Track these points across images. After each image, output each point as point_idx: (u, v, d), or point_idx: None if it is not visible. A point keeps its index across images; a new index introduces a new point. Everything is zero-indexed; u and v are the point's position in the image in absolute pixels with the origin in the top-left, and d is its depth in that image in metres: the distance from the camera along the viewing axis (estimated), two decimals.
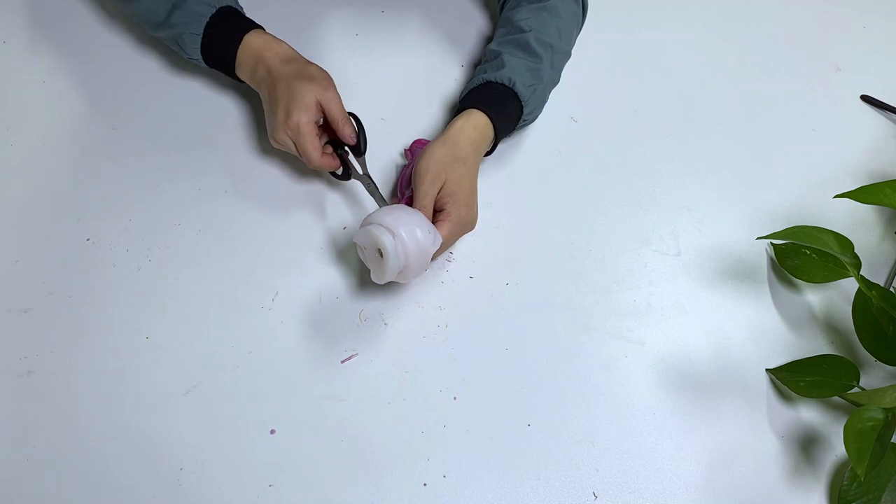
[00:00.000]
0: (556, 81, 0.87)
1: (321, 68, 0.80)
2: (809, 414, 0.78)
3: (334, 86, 0.79)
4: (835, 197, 0.76)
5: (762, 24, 1.06)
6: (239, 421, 0.71)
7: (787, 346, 0.81)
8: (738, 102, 0.98)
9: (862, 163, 0.95)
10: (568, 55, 0.88)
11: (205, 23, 0.80)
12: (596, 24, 0.93)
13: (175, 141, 0.85)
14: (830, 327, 0.83)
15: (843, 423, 0.67)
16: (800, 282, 0.85)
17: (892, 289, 0.85)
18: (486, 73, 0.82)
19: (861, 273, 0.76)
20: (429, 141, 0.82)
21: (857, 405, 0.73)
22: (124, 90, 0.88)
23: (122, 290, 0.76)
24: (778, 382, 0.78)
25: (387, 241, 0.68)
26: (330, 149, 0.81)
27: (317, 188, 0.83)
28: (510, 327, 0.78)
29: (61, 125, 0.85)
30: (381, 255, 0.69)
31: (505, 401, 0.74)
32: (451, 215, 0.74)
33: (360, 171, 0.81)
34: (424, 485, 0.70)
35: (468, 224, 0.76)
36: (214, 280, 0.77)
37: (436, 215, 0.74)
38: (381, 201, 0.80)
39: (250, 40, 0.80)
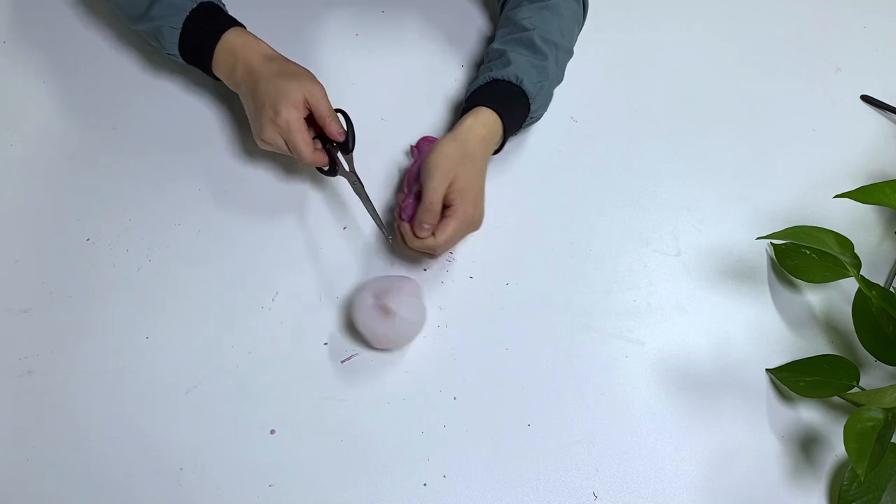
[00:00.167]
0: (560, 79, 0.87)
1: (303, 66, 0.79)
2: (809, 414, 0.78)
3: (319, 82, 0.78)
4: (835, 197, 0.76)
5: (762, 24, 1.06)
6: (239, 421, 0.71)
7: (787, 346, 0.81)
8: (738, 102, 0.98)
9: (862, 163, 0.95)
10: (571, 53, 0.88)
11: (184, 17, 0.78)
12: (596, 24, 0.93)
13: (176, 141, 0.85)
14: (830, 327, 0.83)
15: (843, 423, 0.67)
16: (800, 282, 0.85)
17: (892, 289, 0.85)
18: (492, 71, 0.82)
19: (861, 273, 0.76)
20: (436, 138, 0.83)
21: (857, 405, 0.73)
22: (125, 91, 0.88)
23: (122, 290, 0.76)
24: (778, 382, 0.78)
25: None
26: (319, 143, 0.80)
27: (317, 188, 0.83)
28: (510, 327, 0.78)
29: (61, 125, 0.85)
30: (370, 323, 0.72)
31: (505, 401, 0.74)
32: (458, 212, 0.73)
33: (346, 168, 0.80)
34: (424, 485, 0.70)
35: (475, 222, 0.76)
36: (214, 280, 0.77)
37: (443, 211, 0.74)
38: (366, 201, 0.79)
39: (229, 38, 0.78)
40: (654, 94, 0.97)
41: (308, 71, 0.79)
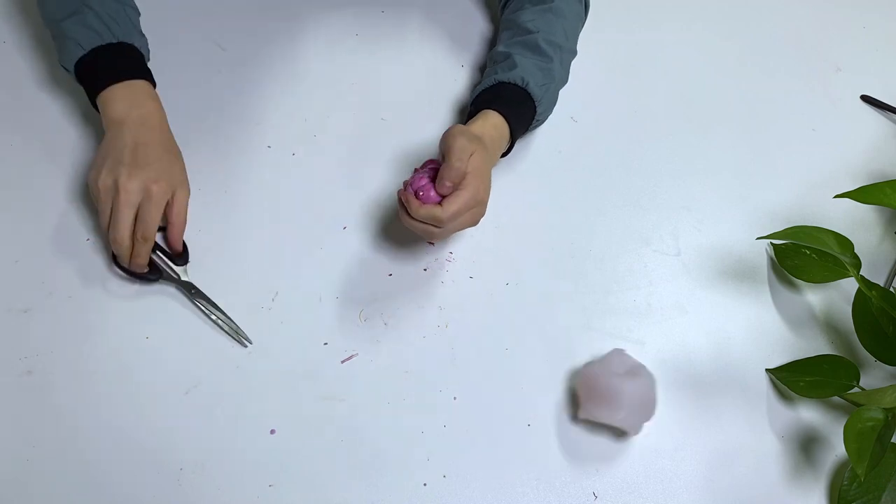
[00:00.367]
0: (565, 81, 0.87)
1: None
2: (809, 414, 0.78)
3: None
4: (835, 197, 0.76)
5: (762, 24, 1.07)
6: (239, 421, 0.71)
7: (787, 346, 0.81)
8: (738, 102, 0.98)
9: (862, 163, 0.95)
10: (574, 54, 0.88)
11: (97, 45, 0.75)
12: (596, 24, 0.93)
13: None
14: (830, 327, 0.83)
15: (843, 423, 0.67)
16: (800, 282, 0.85)
17: (892, 289, 0.85)
18: (497, 73, 0.82)
19: (861, 273, 0.76)
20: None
21: (857, 405, 0.73)
22: None
23: (122, 289, 0.76)
24: (778, 382, 0.78)
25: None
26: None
27: (317, 188, 0.83)
28: (510, 327, 0.78)
29: (61, 125, 0.85)
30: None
31: (505, 401, 0.74)
32: (470, 186, 0.70)
33: (177, 276, 0.76)
34: (424, 485, 0.70)
35: (481, 204, 0.72)
36: (214, 280, 0.77)
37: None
38: (210, 306, 0.74)
39: (141, 85, 0.76)
40: (654, 94, 0.97)
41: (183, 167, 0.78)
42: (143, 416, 0.70)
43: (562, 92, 0.87)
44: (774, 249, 0.86)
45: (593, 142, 0.92)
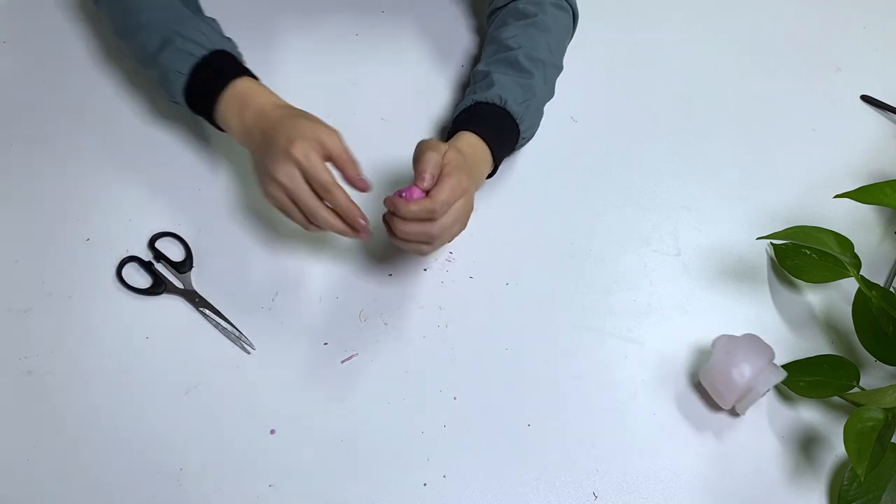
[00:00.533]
0: (550, 96, 0.85)
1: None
2: (809, 414, 0.78)
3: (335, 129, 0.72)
4: (835, 197, 0.76)
5: (762, 24, 1.07)
6: (239, 421, 0.71)
7: (787, 346, 0.81)
8: (738, 102, 0.98)
9: (862, 163, 0.95)
10: (560, 68, 0.87)
11: (194, 63, 0.73)
12: (596, 24, 0.93)
13: (176, 143, 0.85)
14: (830, 327, 0.83)
15: (843, 423, 0.67)
16: (800, 282, 0.85)
17: (892, 289, 0.85)
18: (475, 93, 0.80)
19: (861, 273, 0.76)
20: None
21: (857, 405, 0.73)
22: (126, 92, 0.88)
23: (122, 289, 0.76)
24: (778, 382, 0.78)
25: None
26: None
27: None
28: (510, 327, 0.78)
29: (61, 125, 0.85)
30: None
31: (505, 401, 0.74)
32: (453, 173, 0.68)
33: (180, 286, 0.76)
34: (424, 485, 0.70)
35: (467, 194, 0.70)
36: (214, 280, 0.77)
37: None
38: (216, 315, 0.74)
39: (240, 84, 0.73)
40: (654, 94, 0.97)
41: (320, 119, 0.73)
42: (143, 417, 0.70)
43: (562, 92, 0.87)
44: (774, 249, 0.86)
45: (593, 142, 0.92)
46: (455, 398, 0.74)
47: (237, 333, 0.74)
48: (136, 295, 0.75)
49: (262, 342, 0.74)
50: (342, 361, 0.75)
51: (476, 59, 0.95)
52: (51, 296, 0.75)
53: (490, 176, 0.80)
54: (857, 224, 0.90)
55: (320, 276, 0.78)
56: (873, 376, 0.80)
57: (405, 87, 0.92)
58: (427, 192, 0.69)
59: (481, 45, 0.97)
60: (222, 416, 0.71)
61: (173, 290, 0.76)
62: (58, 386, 0.71)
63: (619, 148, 0.92)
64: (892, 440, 0.68)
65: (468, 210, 0.72)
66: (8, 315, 0.74)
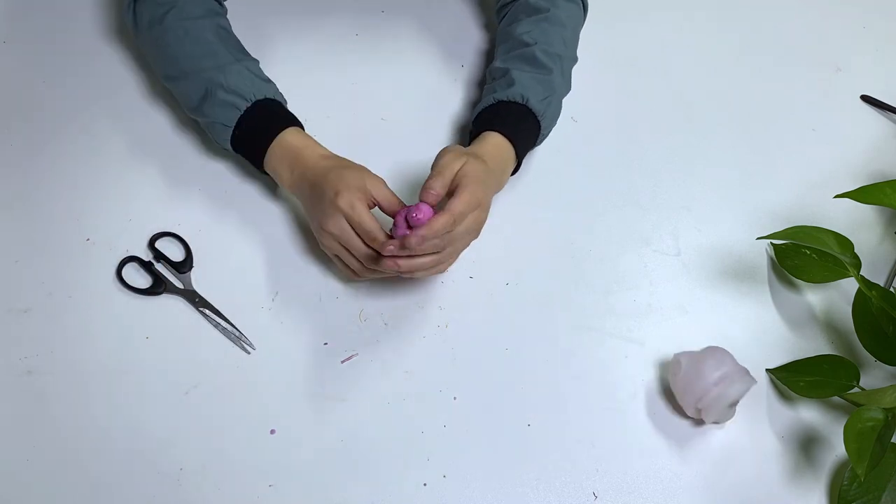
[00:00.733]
0: (568, 89, 0.86)
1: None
2: (809, 414, 0.78)
3: (378, 176, 0.74)
4: (835, 197, 0.76)
5: (762, 24, 1.06)
6: (239, 421, 0.71)
7: (787, 346, 0.81)
8: (738, 102, 0.98)
9: (862, 163, 0.95)
10: (575, 60, 0.88)
11: (238, 116, 0.76)
12: (596, 24, 0.93)
13: (176, 143, 0.85)
14: (830, 327, 0.83)
15: (843, 423, 0.67)
16: (800, 282, 0.84)
17: (892, 289, 0.85)
18: (496, 91, 0.81)
19: (861, 273, 0.76)
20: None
21: (857, 405, 0.73)
22: (127, 94, 0.88)
23: (122, 289, 0.76)
24: (778, 382, 0.78)
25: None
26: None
27: None
28: (510, 327, 0.78)
29: (61, 125, 0.85)
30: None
31: (505, 401, 0.74)
32: (468, 187, 0.68)
33: (180, 286, 0.76)
34: (424, 485, 0.70)
35: (482, 206, 0.70)
36: (214, 280, 0.77)
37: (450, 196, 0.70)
38: (216, 315, 0.74)
39: (286, 138, 0.76)
40: (655, 95, 0.97)
41: (365, 166, 0.75)
42: (143, 416, 0.70)
43: None
44: (774, 249, 0.86)
45: (593, 142, 0.92)
46: (455, 398, 0.74)
47: (237, 333, 0.74)
48: (136, 295, 0.75)
49: (262, 342, 0.74)
50: (342, 361, 0.75)
51: (477, 62, 0.95)
52: (51, 296, 0.75)
53: (513, 173, 0.81)
54: (857, 224, 0.90)
55: (320, 276, 0.78)
56: (873, 376, 0.80)
57: (405, 88, 0.92)
58: (433, 206, 0.68)
59: (482, 48, 0.97)
60: (222, 416, 0.71)
61: (173, 290, 0.76)
62: (58, 386, 0.71)
63: (619, 148, 0.92)
64: (892, 440, 0.68)
65: (481, 221, 0.72)
66: (8, 315, 0.74)
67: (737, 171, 0.92)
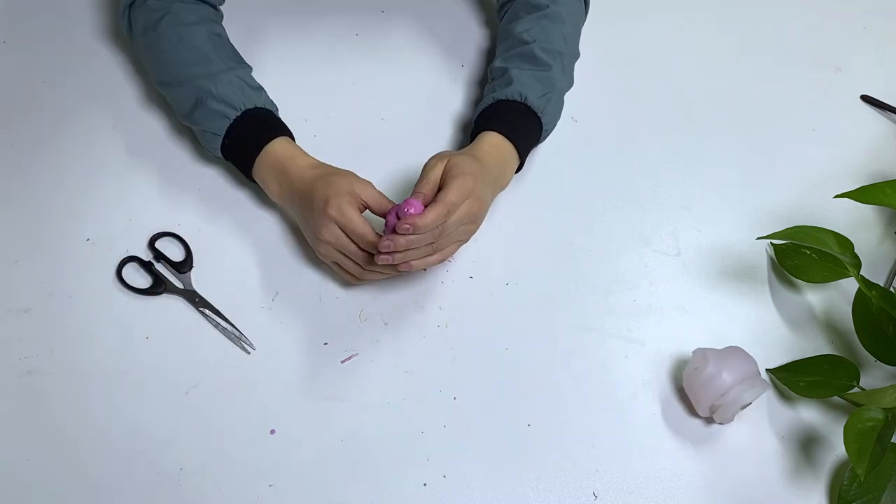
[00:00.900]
0: (570, 84, 0.86)
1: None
2: (809, 414, 0.78)
3: (367, 180, 0.74)
4: (835, 197, 0.76)
5: (762, 24, 1.06)
6: (239, 421, 0.71)
7: (787, 346, 0.81)
8: (738, 102, 0.98)
9: (862, 163, 0.95)
10: (577, 56, 0.88)
11: (227, 125, 0.76)
12: (596, 24, 0.93)
13: (176, 144, 0.85)
14: (830, 327, 0.83)
15: (843, 423, 0.67)
16: (800, 282, 0.84)
17: (892, 289, 0.85)
18: (495, 91, 0.81)
19: (861, 273, 0.76)
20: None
21: (857, 405, 0.73)
22: (127, 93, 0.88)
23: (122, 289, 0.76)
24: (778, 382, 0.78)
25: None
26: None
27: None
28: (510, 327, 0.78)
29: (61, 125, 0.85)
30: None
31: (505, 401, 0.74)
32: (457, 178, 0.69)
33: (180, 286, 0.76)
34: (424, 485, 0.70)
35: (474, 196, 0.70)
36: (214, 280, 0.77)
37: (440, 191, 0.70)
38: (215, 314, 0.74)
39: (273, 149, 0.75)
40: (655, 94, 0.97)
41: (352, 171, 0.75)
42: (143, 417, 0.70)
43: None
44: (774, 249, 0.86)
45: (593, 142, 0.92)
46: (455, 398, 0.74)
47: (237, 333, 0.74)
48: (136, 295, 0.75)
49: (262, 342, 0.75)
50: (342, 361, 0.75)
51: (476, 62, 0.95)
52: (51, 296, 0.75)
53: (517, 171, 0.81)
54: (857, 224, 0.90)
55: (320, 276, 0.78)
56: (873, 376, 0.80)
57: (405, 88, 0.92)
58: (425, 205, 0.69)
59: (482, 48, 0.97)
60: (222, 416, 0.71)
61: (173, 290, 0.76)
62: (58, 386, 0.71)
63: (619, 148, 0.92)
64: (892, 440, 0.68)
65: (476, 211, 0.71)
66: (8, 315, 0.74)
67: (737, 171, 0.92)
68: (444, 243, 0.71)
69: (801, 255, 0.83)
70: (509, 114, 0.79)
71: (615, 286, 0.82)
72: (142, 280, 0.76)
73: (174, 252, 0.78)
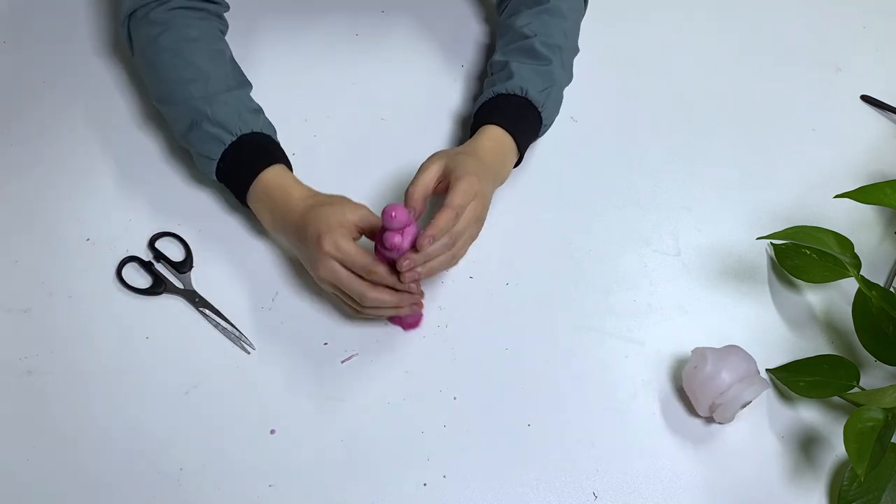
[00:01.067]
0: (569, 79, 0.86)
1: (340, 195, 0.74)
2: (809, 414, 0.78)
3: (361, 204, 0.72)
4: (835, 197, 0.76)
5: (762, 24, 1.06)
6: (239, 421, 0.71)
7: (787, 346, 0.81)
8: (738, 102, 0.98)
9: (862, 163, 0.95)
10: (576, 51, 0.88)
11: (222, 150, 0.74)
12: (596, 24, 0.93)
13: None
14: (830, 327, 0.83)
15: (843, 423, 0.67)
16: (800, 282, 0.84)
17: (892, 289, 0.85)
18: (495, 85, 0.81)
19: (861, 273, 0.76)
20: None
21: (857, 405, 0.73)
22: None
23: (122, 289, 0.76)
24: (778, 382, 0.78)
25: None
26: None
27: (317, 188, 0.83)
28: (510, 327, 0.78)
29: (61, 125, 0.85)
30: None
31: (505, 401, 0.74)
32: (461, 178, 0.68)
33: (180, 286, 0.76)
34: (424, 485, 0.70)
35: (480, 195, 0.70)
36: (214, 280, 0.77)
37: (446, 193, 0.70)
38: (215, 314, 0.74)
39: (268, 175, 0.74)
40: (655, 94, 0.97)
41: (344, 197, 0.73)
42: (143, 417, 0.70)
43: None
44: (774, 249, 0.86)
45: (593, 142, 0.92)
46: (455, 398, 0.74)
47: (237, 333, 0.74)
48: (136, 295, 0.75)
49: (262, 342, 0.75)
50: (342, 361, 0.75)
51: (476, 61, 0.95)
52: (51, 296, 0.75)
53: (516, 165, 0.81)
54: (857, 224, 0.90)
55: None
56: (873, 376, 0.80)
57: (405, 87, 0.92)
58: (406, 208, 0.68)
59: (482, 47, 0.97)
60: (222, 416, 0.71)
61: (173, 290, 0.76)
62: (58, 386, 0.71)
63: (619, 148, 0.92)
64: (892, 440, 0.68)
65: (482, 210, 0.71)
66: (8, 315, 0.74)
67: (737, 171, 0.92)
68: (459, 245, 0.70)
69: (801, 255, 0.83)
70: (510, 107, 0.79)
71: (615, 286, 0.82)
72: (142, 280, 0.76)
73: (174, 252, 0.78)
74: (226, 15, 0.84)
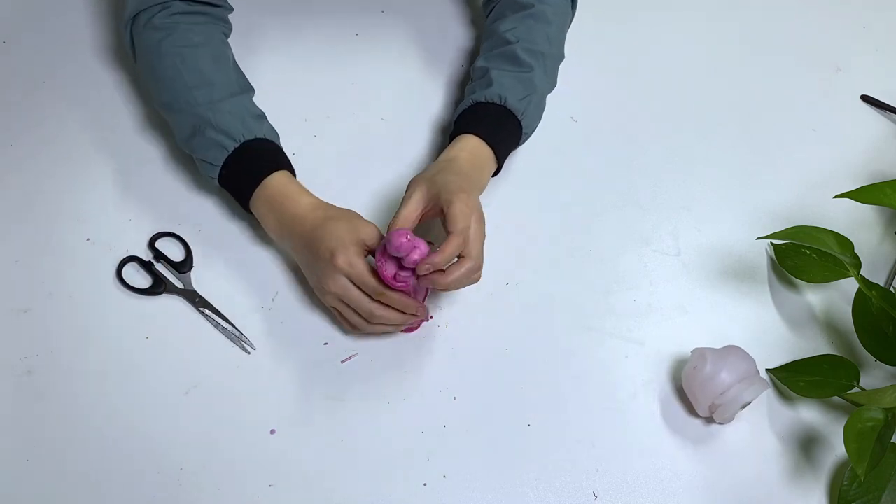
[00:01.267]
0: (552, 86, 0.85)
1: (348, 209, 0.74)
2: (809, 414, 0.78)
3: (370, 221, 0.73)
4: (835, 197, 0.76)
5: (762, 24, 1.06)
6: (239, 421, 0.71)
7: (787, 346, 0.81)
8: (737, 102, 0.98)
9: (862, 163, 0.95)
10: (561, 58, 0.86)
11: (226, 156, 0.74)
12: (596, 24, 0.93)
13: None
14: (830, 327, 0.83)
15: (843, 423, 0.67)
16: (800, 282, 0.84)
17: (892, 289, 0.85)
18: (475, 92, 0.80)
19: (861, 273, 0.76)
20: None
21: (857, 405, 0.73)
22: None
23: (122, 289, 0.76)
24: (778, 382, 0.78)
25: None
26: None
27: (317, 189, 0.83)
28: (510, 327, 0.78)
29: (61, 125, 0.85)
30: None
31: (505, 401, 0.74)
32: (455, 196, 0.67)
33: (180, 286, 0.76)
34: (424, 485, 0.70)
35: (476, 208, 0.69)
36: (214, 280, 0.77)
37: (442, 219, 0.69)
38: (215, 314, 0.74)
39: (273, 182, 0.73)
40: (655, 94, 0.97)
41: (354, 212, 0.74)
42: (143, 416, 0.70)
43: (562, 92, 0.87)
44: (774, 249, 0.86)
45: (593, 142, 0.92)
46: (455, 398, 0.74)
47: (237, 333, 0.74)
48: (136, 295, 0.75)
49: (262, 342, 0.75)
50: (342, 361, 0.75)
51: (475, 56, 0.95)
52: (51, 296, 0.75)
53: (495, 174, 0.80)
54: (857, 224, 0.90)
55: None
56: (873, 376, 0.80)
57: (405, 87, 0.92)
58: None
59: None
60: (222, 416, 0.71)
61: (173, 290, 0.76)
62: (58, 386, 0.71)
63: (619, 148, 0.92)
64: (893, 440, 0.68)
65: (481, 223, 0.71)
66: (8, 315, 0.74)
67: (737, 171, 0.92)
68: (480, 262, 0.70)
69: (801, 255, 0.83)
70: (488, 116, 0.78)
71: (615, 286, 0.82)
72: (142, 280, 0.76)
73: (174, 252, 0.78)
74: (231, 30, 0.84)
